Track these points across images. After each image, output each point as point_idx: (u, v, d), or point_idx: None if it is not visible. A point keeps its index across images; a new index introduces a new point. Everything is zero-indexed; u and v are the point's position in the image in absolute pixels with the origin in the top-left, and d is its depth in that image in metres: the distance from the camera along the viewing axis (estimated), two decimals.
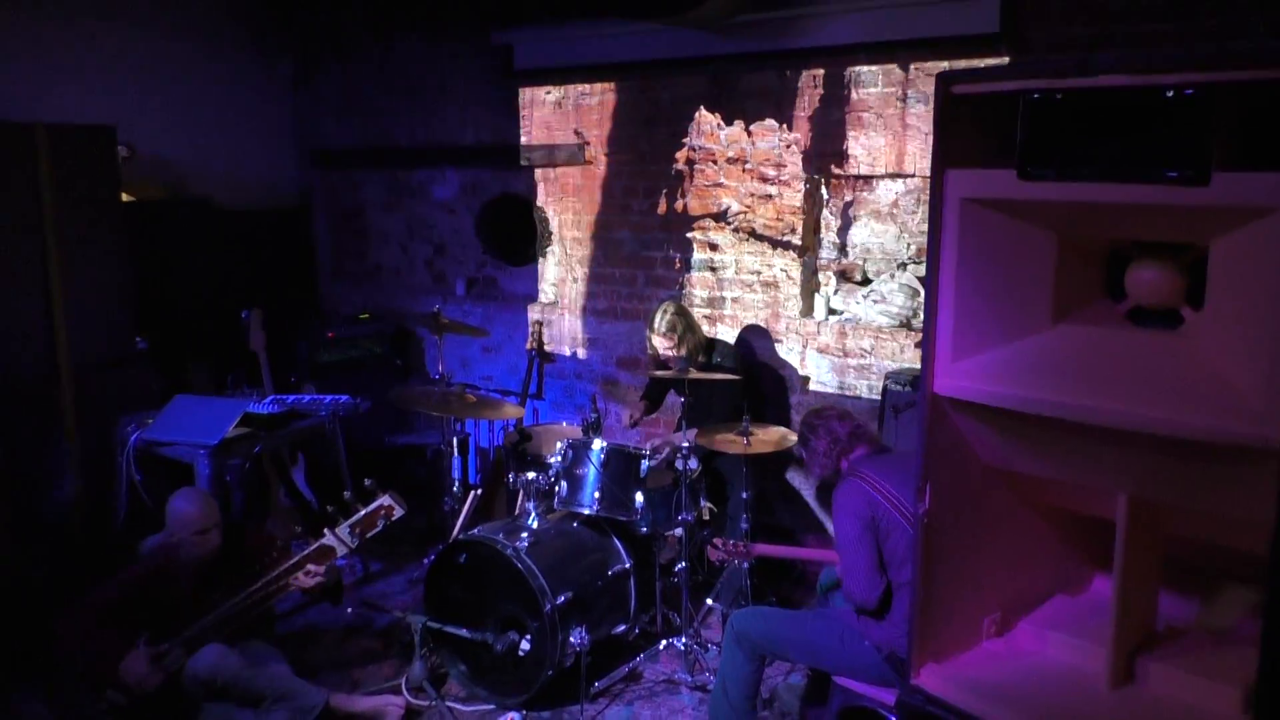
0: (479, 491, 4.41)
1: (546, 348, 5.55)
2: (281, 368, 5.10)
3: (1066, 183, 1.61)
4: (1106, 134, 1.55)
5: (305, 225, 6.47)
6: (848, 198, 4.58)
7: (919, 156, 4.14)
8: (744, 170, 4.68)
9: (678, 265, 4.98)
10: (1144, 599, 1.90)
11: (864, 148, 4.31)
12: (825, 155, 4.42)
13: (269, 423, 4.26)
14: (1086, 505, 1.90)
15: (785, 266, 4.63)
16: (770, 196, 4.62)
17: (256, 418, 4.25)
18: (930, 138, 1.82)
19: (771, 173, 4.60)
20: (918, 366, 3.90)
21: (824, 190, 4.63)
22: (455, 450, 4.48)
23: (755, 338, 4.78)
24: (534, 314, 5.58)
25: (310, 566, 3.18)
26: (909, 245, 4.48)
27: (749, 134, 4.63)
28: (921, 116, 4.11)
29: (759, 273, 4.71)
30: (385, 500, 3.23)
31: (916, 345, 4.24)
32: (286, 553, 3.27)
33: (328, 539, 3.23)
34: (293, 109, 6.37)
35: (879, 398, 4.16)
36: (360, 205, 6.33)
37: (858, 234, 4.61)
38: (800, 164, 4.48)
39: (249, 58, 6.13)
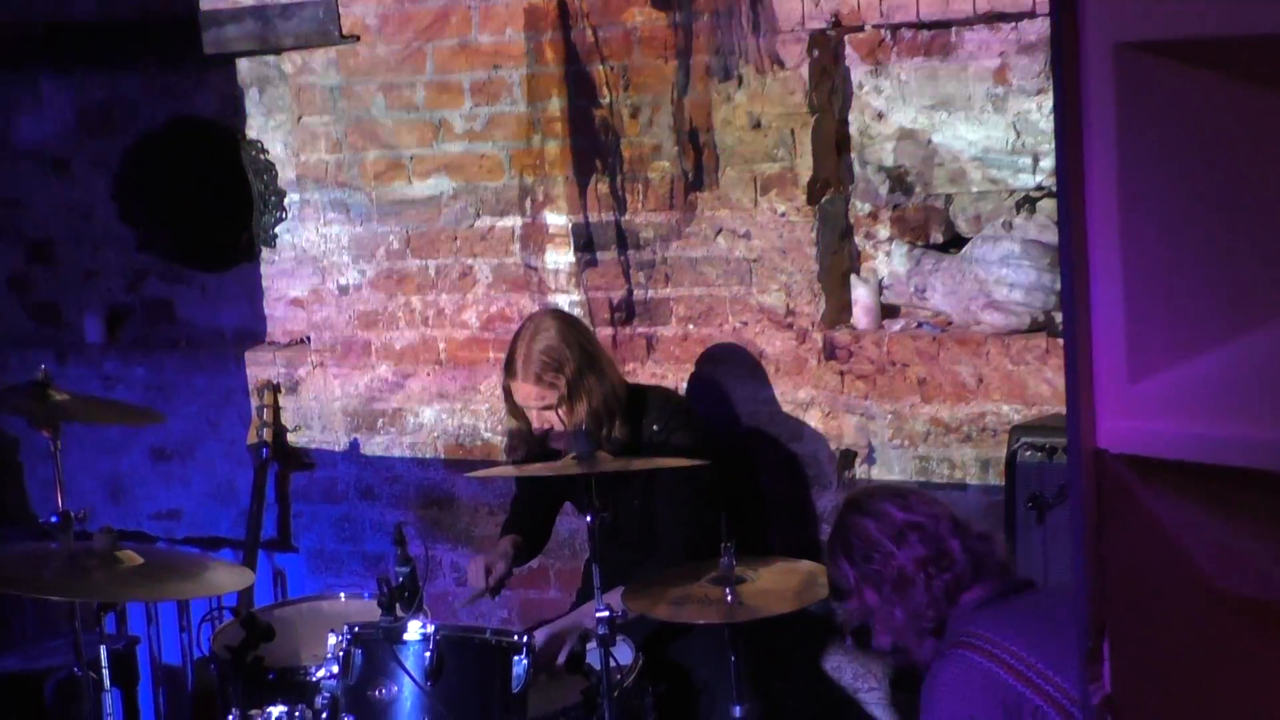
0: None
1: (292, 439, 5.48)
2: None
3: None
4: None
5: None
6: (900, 72, 4.67)
7: None
8: None
9: (557, 239, 5.02)
10: None
11: None
12: None
13: None
14: None
15: (783, 221, 4.70)
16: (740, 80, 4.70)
17: None
18: None
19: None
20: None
21: (847, 58, 4.72)
22: (107, 678, 4.40)
23: (731, 376, 4.83)
24: (259, 369, 5.55)
25: None
26: (1036, 161, 4.58)
27: None
28: None
29: (729, 237, 4.78)
30: None
31: None
32: None
33: None
34: None
35: (1001, 482, 4.23)
36: None
37: (928, 144, 4.71)
38: (795, 10, 4.58)
39: None
